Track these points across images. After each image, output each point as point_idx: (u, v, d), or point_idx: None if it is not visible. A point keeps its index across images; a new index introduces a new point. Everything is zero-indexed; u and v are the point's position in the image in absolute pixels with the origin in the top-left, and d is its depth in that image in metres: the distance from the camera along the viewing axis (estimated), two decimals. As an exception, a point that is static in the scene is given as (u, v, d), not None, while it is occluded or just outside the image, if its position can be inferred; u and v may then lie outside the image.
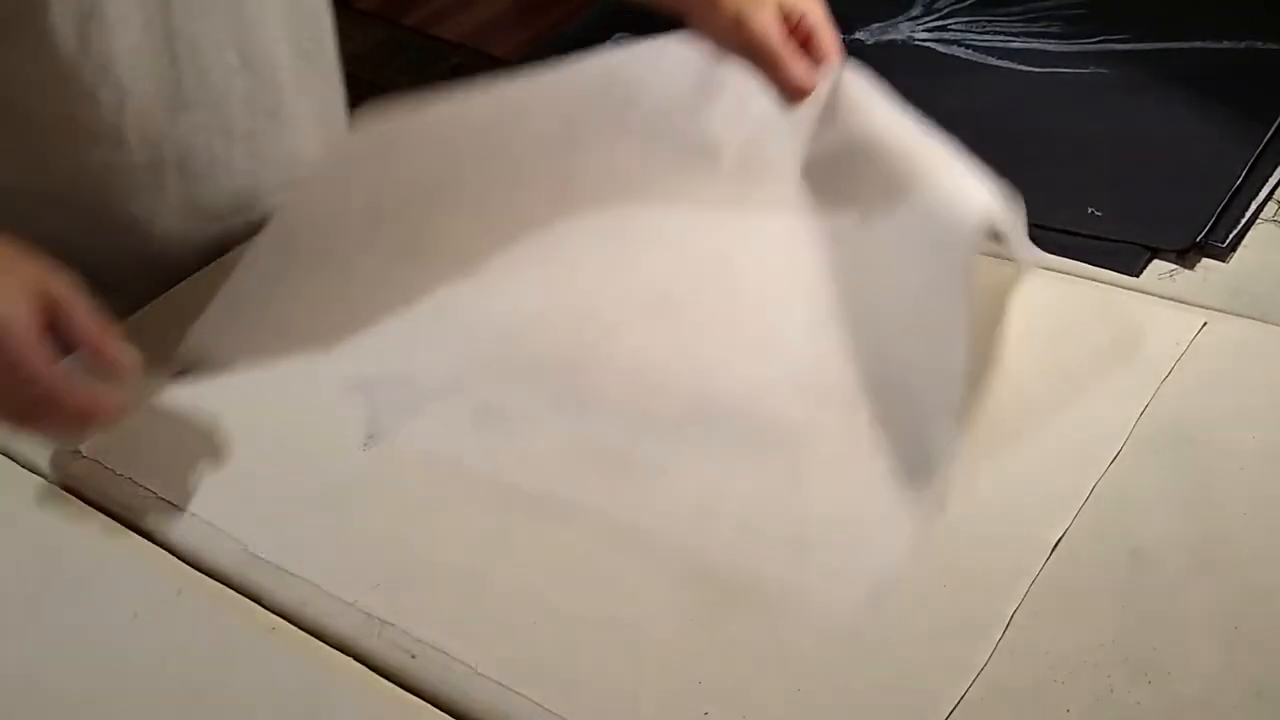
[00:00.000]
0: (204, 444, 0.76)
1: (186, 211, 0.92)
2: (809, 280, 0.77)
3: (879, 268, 0.75)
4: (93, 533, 0.71)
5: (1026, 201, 0.85)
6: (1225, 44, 1.01)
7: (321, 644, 0.63)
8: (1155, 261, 0.81)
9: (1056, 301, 0.79)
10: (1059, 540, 0.63)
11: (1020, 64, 1.03)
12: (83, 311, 0.67)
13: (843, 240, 0.78)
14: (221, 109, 0.90)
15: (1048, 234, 0.84)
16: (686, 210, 0.83)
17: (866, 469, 0.67)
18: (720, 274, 0.81)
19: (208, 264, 0.92)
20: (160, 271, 0.91)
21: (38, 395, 0.64)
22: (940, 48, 1.08)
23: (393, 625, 0.63)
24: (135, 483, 0.73)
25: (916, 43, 1.09)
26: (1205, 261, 0.80)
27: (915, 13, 1.13)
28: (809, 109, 0.79)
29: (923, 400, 0.68)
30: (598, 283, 0.82)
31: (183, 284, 0.91)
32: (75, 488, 0.74)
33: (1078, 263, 0.81)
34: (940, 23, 1.12)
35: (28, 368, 0.63)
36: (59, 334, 0.66)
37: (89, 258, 0.75)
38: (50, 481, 0.75)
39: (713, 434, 0.71)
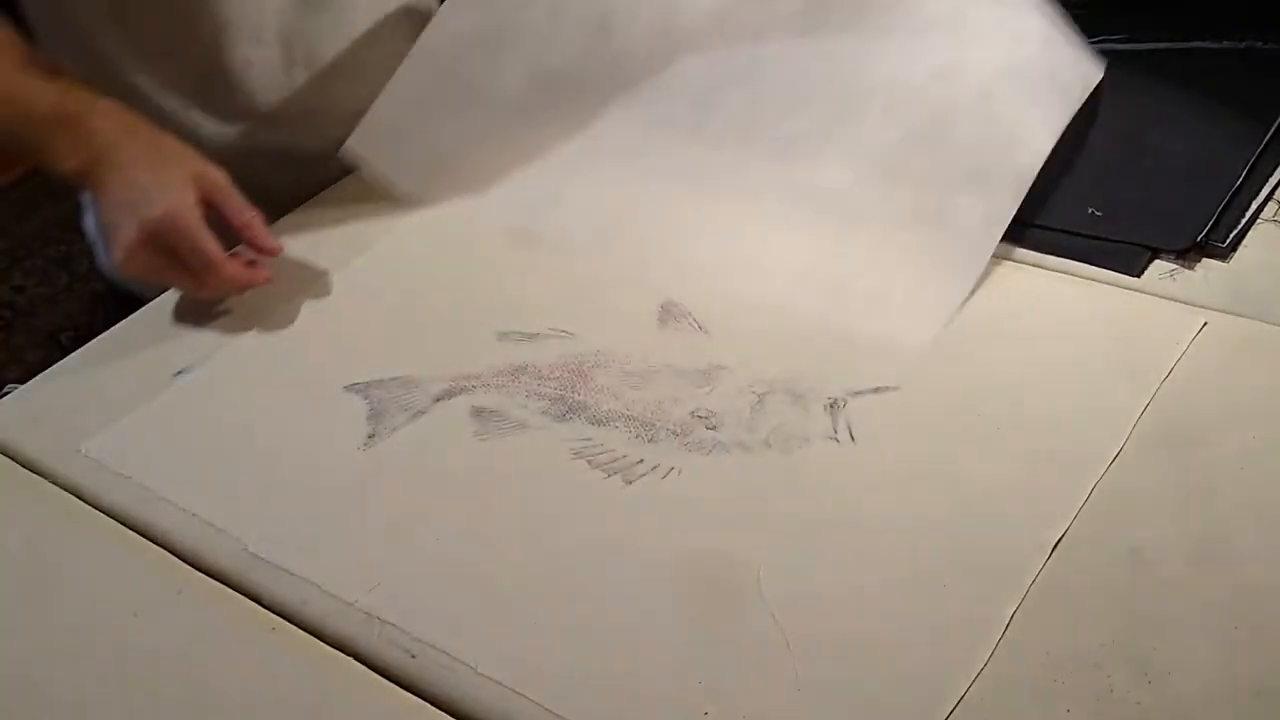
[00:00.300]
0: (204, 444, 0.76)
1: (312, 110, 0.96)
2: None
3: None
4: (93, 532, 0.71)
5: (1027, 201, 0.86)
6: (1225, 44, 1.01)
7: (322, 643, 0.63)
8: (1155, 261, 0.81)
9: (1056, 301, 0.79)
10: (1059, 540, 0.63)
11: (1020, 64, 1.03)
12: (235, 199, 0.81)
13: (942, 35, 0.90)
14: (346, 12, 0.95)
15: (1048, 234, 0.84)
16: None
17: (935, 234, 0.82)
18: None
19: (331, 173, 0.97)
20: (292, 171, 0.97)
21: (205, 267, 0.79)
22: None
23: (393, 625, 0.63)
24: (135, 482, 0.73)
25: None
26: (1205, 261, 0.80)
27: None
28: None
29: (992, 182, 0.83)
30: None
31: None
32: (75, 487, 0.74)
33: (1078, 263, 0.81)
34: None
35: (199, 248, 0.78)
36: (217, 217, 0.80)
37: (230, 156, 0.86)
38: (51, 481, 0.75)
39: (808, 215, 0.86)
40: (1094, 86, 0.88)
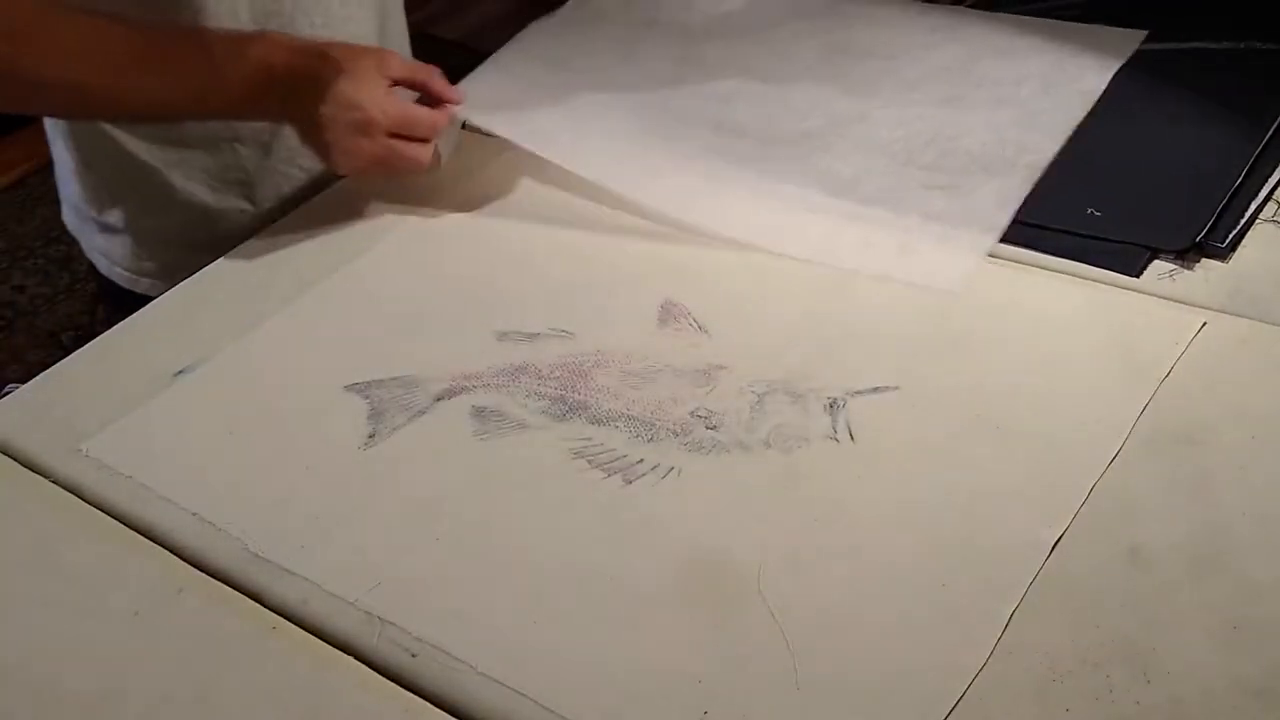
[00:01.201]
0: (205, 443, 0.76)
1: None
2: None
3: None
4: (94, 531, 0.71)
5: (1027, 201, 0.86)
6: (1225, 44, 1.01)
7: (322, 643, 0.64)
8: (1155, 261, 0.81)
9: (1056, 301, 0.79)
10: (1058, 540, 0.63)
11: (1020, 64, 1.03)
12: (411, 70, 0.89)
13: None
14: None
15: (1048, 234, 0.84)
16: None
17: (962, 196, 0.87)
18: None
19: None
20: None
21: (431, 132, 0.88)
22: (940, 48, 1.08)
23: (393, 624, 0.63)
24: (136, 481, 0.73)
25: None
26: (1205, 261, 0.80)
27: (915, 13, 1.13)
28: None
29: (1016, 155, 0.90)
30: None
31: (181, 284, 0.91)
32: (76, 487, 0.74)
33: (1078, 263, 0.81)
34: (940, 23, 1.11)
35: (422, 122, 0.87)
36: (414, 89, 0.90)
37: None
38: (51, 481, 0.75)
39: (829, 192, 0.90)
40: (1092, 105, 0.94)
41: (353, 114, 0.84)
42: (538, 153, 0.93)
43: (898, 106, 0.98)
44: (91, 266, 1.09)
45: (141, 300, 0.93)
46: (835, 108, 0.99)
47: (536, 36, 1.11)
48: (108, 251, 1.04)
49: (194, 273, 0.91)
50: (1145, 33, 1.02)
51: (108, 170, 1.00)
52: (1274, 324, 0.75)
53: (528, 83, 1.04)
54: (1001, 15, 1.08)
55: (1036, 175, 0.88)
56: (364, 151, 0.86)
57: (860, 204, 0.89)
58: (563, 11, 1.16)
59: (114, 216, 1.01)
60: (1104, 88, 0.95)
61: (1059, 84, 0.97)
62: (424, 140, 0.88)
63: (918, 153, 0.92)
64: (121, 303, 1.00)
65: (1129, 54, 0.99)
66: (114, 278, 1.04)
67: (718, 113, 1.00)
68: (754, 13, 1.13)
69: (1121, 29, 1.03)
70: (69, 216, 1.08)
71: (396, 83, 0.88)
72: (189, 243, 0.98)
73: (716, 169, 0.94)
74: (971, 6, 1.12)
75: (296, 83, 0.85)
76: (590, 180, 0.92)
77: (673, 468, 0.70)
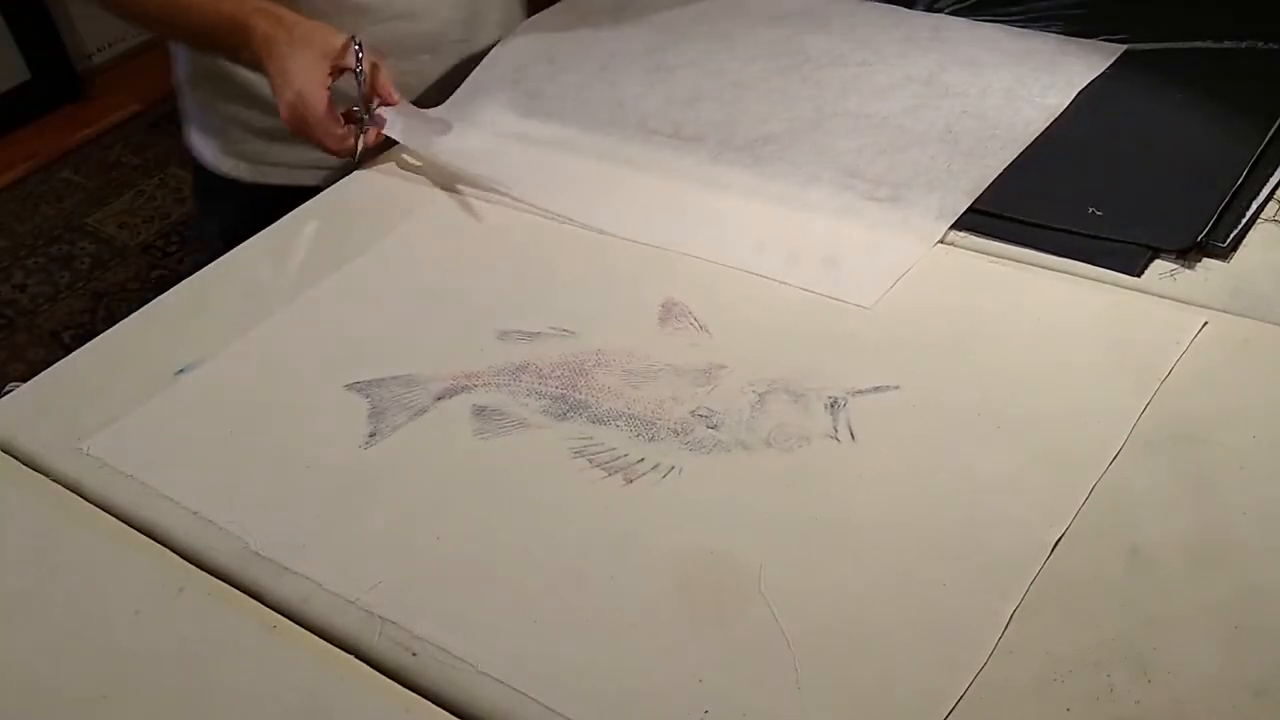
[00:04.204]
0: (206, 442, 0.76)
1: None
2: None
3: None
4: (95, 530, 0.71)
5: (1027, 201, 0.86)
6: (1225, 44, 1.01)
7: (323, 642, 0.64)
8: (1156, 261, 0.81)
9: (1056, 301, 0.79)
10: (1059, 539, 0.63)
11: (1021, 64, 1.03)
12: (370, 70, 0.97)
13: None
14: None
15: (1048, 233, 0.84)
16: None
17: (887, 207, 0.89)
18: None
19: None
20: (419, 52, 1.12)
21: (323, 136, 0.96)
22: (941, 47, 1.08)
23: (394, 623, 0.63)
24: (137, 480, 0.73)
25: (917, 42, 1.09)
26: (1206, 261, 0.80)
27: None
28: None
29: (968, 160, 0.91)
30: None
31: (181, 284, 0.91)
32: (77, 485, 0.74)
33: (1078, 263, 0.81)
34: (941, 22, 1.11)
35: (319, 129, 0.95)
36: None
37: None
38: (52, 479, 0.75)
39: (769, 200, 0.92)
40: (1052, 119, 0.95)
41: (283, 89, 0.95)
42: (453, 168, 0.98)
43: (858, 115, 0.98)
44: (95, 266, 1.13)
45: (229, 182, 1.14)
46: (797, 112, 1.00)
47: (529, 32, 1.16)
48: (204, 143, 1.17)
49: (269, 159, 1.10)
50: (1124, 48, 1.02)
51: (205, 72, 1.13)
52: (1275, 324, 0.75)
53: (508, 82, 1.10)
54: (982, 24, 1.09)
55: (981, 188, 0.88)
56: (290, 118, 0.96)
57: (799, 212, 0.90)
58: (555, 9, 1.21)
59: (211, 112, 1.15)
60: (1067, 104, 0.96)
61: (1023, 98, 0.97)
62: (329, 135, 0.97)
63: (867, 163, 0.93)
64: (211, 188, 1.17)
65: (1101, 69, 0.99)
66: (205, 163, 1.17)
67: (680, 116, 1.02)
68: (732, 14, 1.16)
69: (1099, 41, 1.03)
70: (185, 126, 1.20)
71: (343, 70, 0.96)
72: (266, 132, 1.11)
73: (668, 177, 0.95)
74: (977, 5, 1.12)
75: (257, 44, 0.96)
76: (524, 201, 0.95)
77: (673, 467, 0.70)
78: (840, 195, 0.90)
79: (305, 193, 1.02)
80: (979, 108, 0.97)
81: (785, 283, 0.83)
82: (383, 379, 0.79)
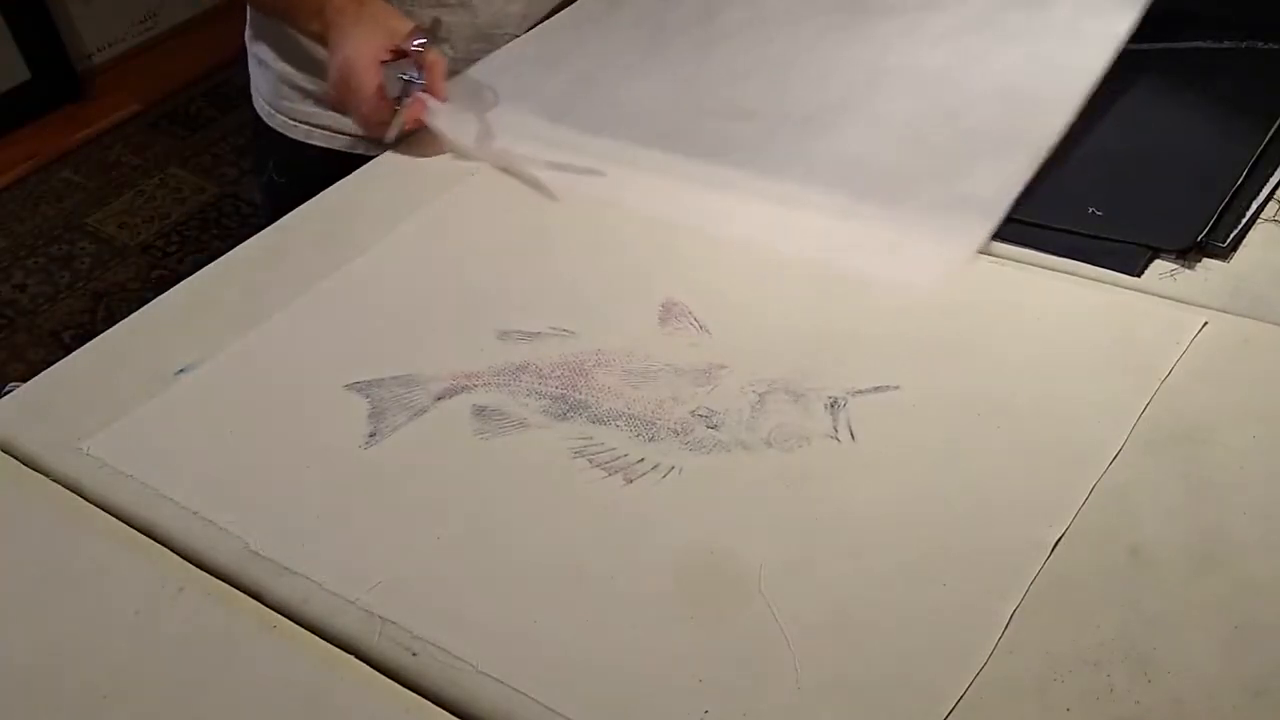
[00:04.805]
0: (206, 442, 0.76)
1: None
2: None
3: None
4: (95, 530, 0.71)
5: (1028, 200, 0.86)
6: (1225, 44, 1.01)
7: (323, 641, 0.64)
8: (1156, 261, 0.81)
9: (1057, 301, 0.79)
10: (1059, 540, 0.63)
11: (1021, 64, 1.03)
12: (416, 48, 0.99)
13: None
14: None
15: (1048, 233, 0.84)
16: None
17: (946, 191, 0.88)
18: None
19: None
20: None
21: (365, 113, 1.00)
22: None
23: (394, 623, 0.63)
24: (137, 480, 0.73)
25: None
26: (1206, 261, 0.80)
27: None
28: None
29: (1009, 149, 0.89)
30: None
31: (181, 284, 0.91)
32: (77, 485, 0.74)
33: (1078, 263, 0.81)
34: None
35: (359, 96, 0.98)
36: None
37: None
38: (52, 479, 0.75)
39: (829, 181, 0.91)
40: (1116, 48, 0.95)
41: (336, 54, 1.00)
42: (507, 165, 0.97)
43: (908, 72, 0.97)
44: (95, 266, 1.15)
45: (277, 135, 1.18)
46: (851, 75, 0.99)
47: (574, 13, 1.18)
48: (259, 95, 1.22)
49: (313, 121, 1.14)
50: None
51: (264, 30, 1.18)
52: (1275, 324, 0.75)
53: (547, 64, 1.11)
54: None
55: (1045, 150, 0.88)
56: (335, 83, 1.00)
57: (857, 198, 0.89)
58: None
59: (266, 68, 1.19)
60: (1130, 26, 0.95)
61: (1084, 31, 0.96)
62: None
63: (925, 132, 0.92)
64: (262, 137, 1.21)
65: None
66: (260, 114, 1.21)
67: (731, 93, 1.01)
68: None
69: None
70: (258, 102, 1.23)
71: (400, 55, 0.99)
72: (312, 95, 1.15)
73: (720, 162, 0.95)
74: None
75: (330, 12, 1.01)
76: (579, 185, 0.94)
77: (673, 467, 0.70)
78: (900, 169, 0.90)
79: (343, 159, 1.08)
80: (1036, 51, 0.95)
81: (848, 266, 0.83)
82: (383, 379, 0.79)
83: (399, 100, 0.99)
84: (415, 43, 0.99)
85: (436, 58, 1.00)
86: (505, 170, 0.97)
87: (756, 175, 0.93)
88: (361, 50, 0.98)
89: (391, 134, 1.00)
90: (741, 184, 0.92)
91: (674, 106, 1.02)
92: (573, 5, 1.19)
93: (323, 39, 1.03)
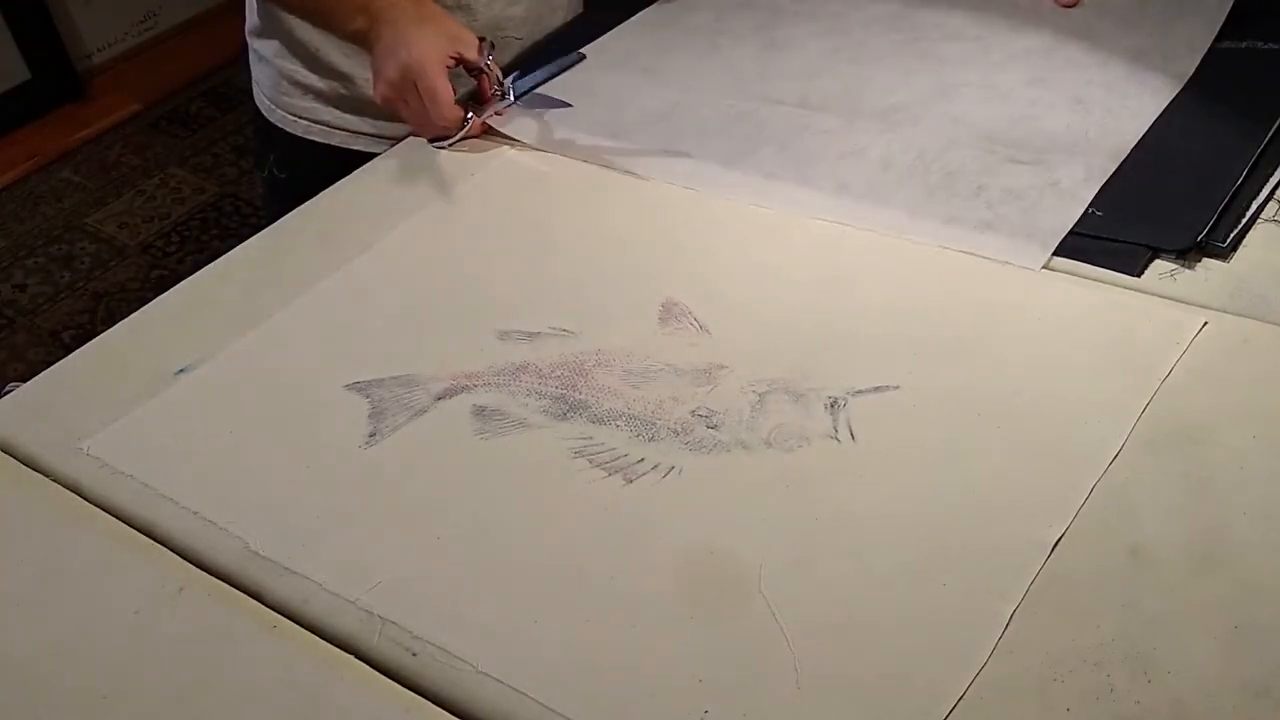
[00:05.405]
0: (205, 442, 0.76)
1: None
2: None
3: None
4: (94, 530, 0.71)
5: (1027, 201, 0.85)
6: (1225, 44, 1.01)
7: (323, 641, 0.64)
8: (1156, 261, 0.81)
9: (1057, 301, 0.79)
10: (1059, 539, 0.63)
11: (1021, 64, 1.03)
12: (476, 54, 1.00)
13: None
14: None
15: (1048, 234, 0.84)
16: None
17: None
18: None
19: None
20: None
21: (432, 102, 0.98)
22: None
23: (394, 623, 0.63)
24: (137, 480, 0.73)
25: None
26: (1206, 261, 0.80)
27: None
28: None
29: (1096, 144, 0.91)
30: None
31: (181, 284, 0.91)
32: (77, 485, 0.74)
33: (1078, 263, 0.81)
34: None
35: (431, 86, 0.97)
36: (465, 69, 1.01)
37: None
38: (52, 479, 0.75)
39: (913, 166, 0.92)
40: (1179, 90, 0.96)
41: (397, 52, 0.97)
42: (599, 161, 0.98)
43: (983, 86, 0.99)
44: (95, 266, 1.14)
45: (277, 130, 1.16)
46: (919, 85, 1.01)
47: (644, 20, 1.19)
48: (260, 91, 1.21)
49: (314, 118, 1.13)
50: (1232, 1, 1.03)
51: (268, 29, 1.16)
52: (1275, 324, 0.75)
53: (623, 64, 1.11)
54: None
55: (1122, 155, 0.89)
56: (395, 81, 0.98)
57: (943, 176, 0.90)
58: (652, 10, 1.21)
59: (268, 65, 1.18)
60: (1193, 69, 0.97)
61: (1145, 68, 0.98)
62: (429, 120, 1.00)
63: (1002, 130, 0.93)
64: (263, 132, 1.20)
65: (1216, 30, 1.01)
66: (264, 110, 1.20)
67: (802, 89, 1.03)
68: None
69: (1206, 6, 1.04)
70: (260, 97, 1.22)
71: (461, 62, 1.00)
72: (314, 92, 1.14)
73: (799, 145, 0.96)
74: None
75: (377, 9, 0.99)
76: (665, 174, 0.95)
77: (673, 467, 0.70)
78: (982, 156, 0.91)
79: (343, 154, 1.08)
80: (1103, 78, 0.97)
81: (945, 247, 0.84)
82: (383, 379, 0.79)
83: (470, 104, 1.00)
84: (486, 59, 0.99)
85: (493, 66, 1.01)
86: (588, 161, 0.98)
87: (834, 162, 0.94)
88: (429, 54, 0.97)
89: (453, 141, 1.00)
90: (820, 167, 0.93)
91: (743, 96, 1.03)
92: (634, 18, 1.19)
93: (363, 38, 1.00)
